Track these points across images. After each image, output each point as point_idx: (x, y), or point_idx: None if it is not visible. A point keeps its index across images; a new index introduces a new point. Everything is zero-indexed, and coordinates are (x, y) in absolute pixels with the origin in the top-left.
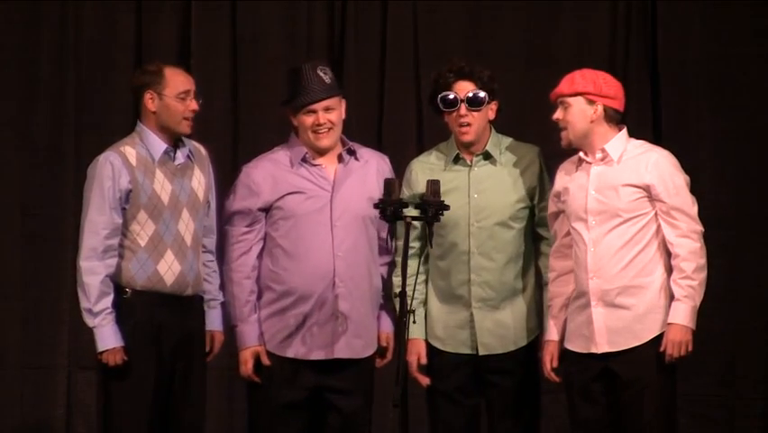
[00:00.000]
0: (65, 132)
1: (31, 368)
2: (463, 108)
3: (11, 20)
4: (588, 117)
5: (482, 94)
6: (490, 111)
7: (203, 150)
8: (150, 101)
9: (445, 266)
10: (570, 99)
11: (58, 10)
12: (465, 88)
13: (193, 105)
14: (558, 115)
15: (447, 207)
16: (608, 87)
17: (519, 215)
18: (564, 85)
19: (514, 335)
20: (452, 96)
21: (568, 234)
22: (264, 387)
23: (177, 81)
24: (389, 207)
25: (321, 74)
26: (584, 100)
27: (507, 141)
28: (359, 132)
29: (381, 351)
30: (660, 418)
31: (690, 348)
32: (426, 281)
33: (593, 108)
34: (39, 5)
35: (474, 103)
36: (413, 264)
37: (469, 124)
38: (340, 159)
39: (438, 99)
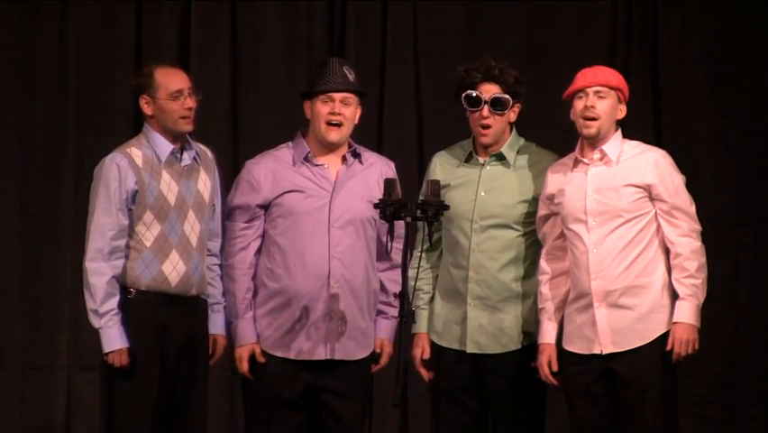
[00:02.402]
0: (65, 132)
1: (31, 368)
2: (486, 110)
3: (11, 20)
4: (615, 115)
5: (506, 97)
6: (512, 113)
7: (209, 153)
8: (145, 105)
9: (450, 261)
10: (609, 91)
11: (58, 10)
12: (490, 90)
13: (188, 102)
14: (592, 102)
15: (447, 207)
16: (628, 90)
17: (525, 218)
18: (605, 76)
19: (509, 337)
20: (475, 96)
21: (560, 236)
22: (260, 385)
23: (168, 82)
24: (389, 206)
25: (346, 71)
26: (617, 97)
27: (528, 145)
28: (359, 132)
29: (375, 357)
30: (662, 417)
31: (696, 347)
32: (436, 277)
33: (620, 108)
34: (39, 5)
35: (497, 106)
36: (419, 259)
37: (489, 126)
38: (344, 160)
39: (462, 97)
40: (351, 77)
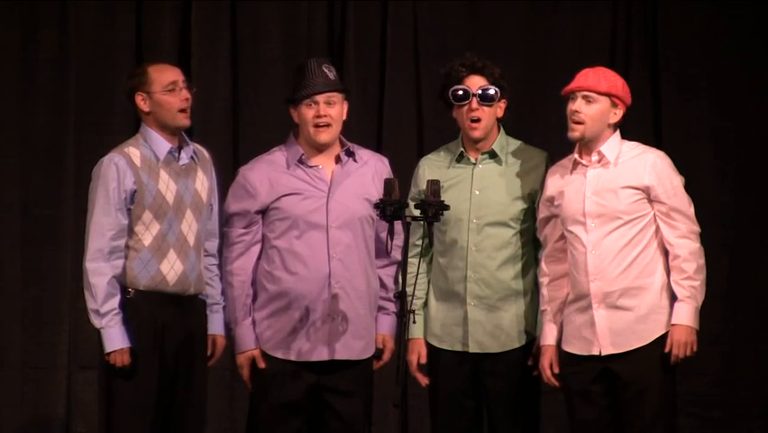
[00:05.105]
0: (65, 132)
1: (31, 368)
2: (474, 102)
3: (11, 20)
4: (607, 119)
5: (494, 90)
6: (499, 109)
7: (206, 152)
8: (142, 102)
9: (445, 263)
10: (598, 96)
11: (58, 10)
12: (477, 83)
13: (184, 94)
14: (578, 107)
15: (447, 207)
16: (628, 94)
17: (520, 216)
18: (596, 80)
19: (508, 335)
20: (463, 90)
21: (561, 238)
22: (263, 387)
23: (161, 76)
24: (389, 206)
25: (326, 70)
26: (610, 102)
27: (516, 143)
28: (359, 132)
29: (378, 353)
30: (662, 418)
31: (695, 348)
32: (429, 281)
33: (614, 112)
34: (39, 5)
35: (485, 98)
36: (418, 263)
37: (479, 120)
38: (337, 160)
39: (449, 93)
40: (331, 75)
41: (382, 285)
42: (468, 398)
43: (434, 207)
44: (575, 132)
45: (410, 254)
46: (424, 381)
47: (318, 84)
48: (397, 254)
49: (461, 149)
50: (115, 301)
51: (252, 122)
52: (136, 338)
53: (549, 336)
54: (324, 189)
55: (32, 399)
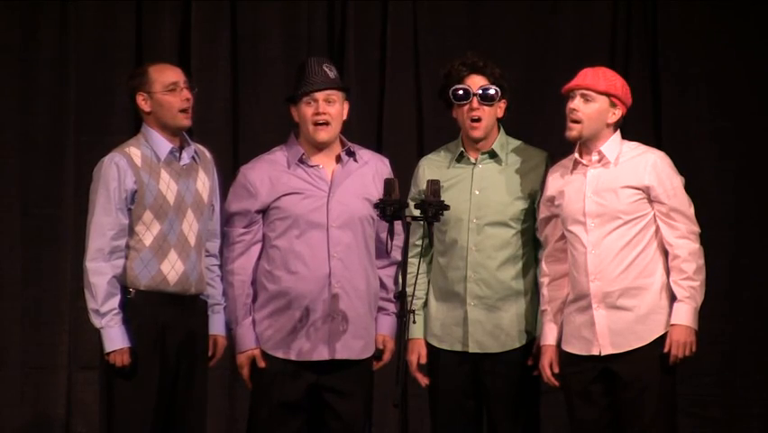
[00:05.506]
0: (65, 132)
1: (31, 368)
2: (475, 102)
3: (11, 20)
4: (606, 119)
5: (494, 89)
6: (499, 109)
7: (207, 153)
8: (143, 102)
9: (445, 263)
10: (596, 95)
11: (58, 10)
12: (477, 82)
13: (185, 94)
14: (576, 106)
15: (447, 207)
16: (628, 95)
17: (520, 216)
18: (595, 79)
19: (508, 335)
20: (464, 90)
21: (561, 237)
22: (263, 387)
23: (162, 76)
24: (389, 206)
25: (326, 69)
26: (608, 101)
27: (516, 143)
28: (359, 132)
29: (378, 353)
30: (661, 418)
31: (694, 349)
32: (429, 281)
33: (613, 112)
34: (39, 5)
35: (486, 97)
36: (418, 263)
37: (479, 119)
38: (338, 159)
39: (450, 92)
40: (331, 74)
41: (382, 285)
42: (468, 398)
43: (434, 207)
44: (572, 131)
45: (410, 254)
46: (424, 381)
47: (317, 82)
48: (397, 254)
49: (461, 149)
50: (115, 301)
51: (252, 122)
52: (137, 338)
53: (549, 335)
54: (325, 189)
55: (32, 399)
